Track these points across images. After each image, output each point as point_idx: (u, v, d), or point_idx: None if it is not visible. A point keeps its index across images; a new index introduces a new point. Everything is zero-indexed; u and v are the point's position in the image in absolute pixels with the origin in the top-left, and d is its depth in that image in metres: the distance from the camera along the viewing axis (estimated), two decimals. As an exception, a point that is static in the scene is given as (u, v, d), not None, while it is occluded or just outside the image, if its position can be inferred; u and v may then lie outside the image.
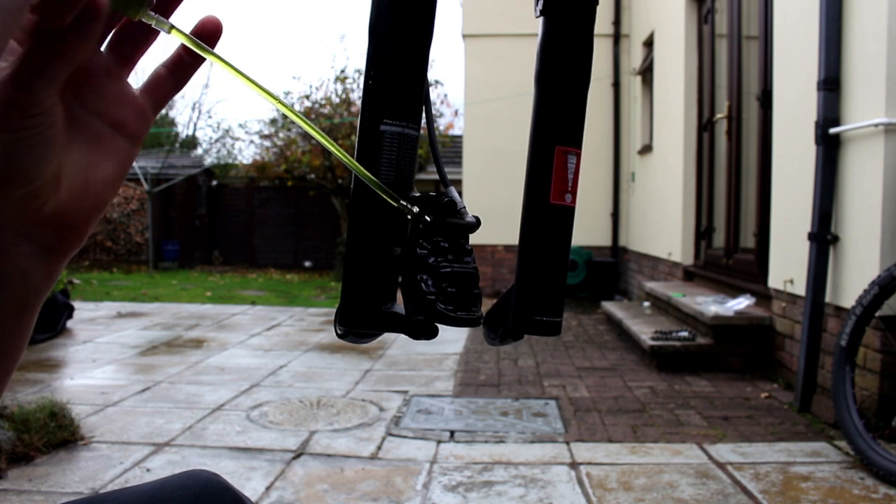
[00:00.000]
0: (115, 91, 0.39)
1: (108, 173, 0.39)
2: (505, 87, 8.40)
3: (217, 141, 16.62)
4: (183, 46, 0.39)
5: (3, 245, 0.34)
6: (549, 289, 0.44)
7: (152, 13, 0.36)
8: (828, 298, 3.41)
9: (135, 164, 13.55)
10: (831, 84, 3.35)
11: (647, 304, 6.07)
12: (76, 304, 6.19)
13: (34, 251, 0.36)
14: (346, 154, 0.41)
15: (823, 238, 3.39)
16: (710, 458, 2.79)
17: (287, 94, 12.46)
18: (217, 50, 0.38)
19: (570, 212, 0.44)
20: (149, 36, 0.39)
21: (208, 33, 0.39)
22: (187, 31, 0.38)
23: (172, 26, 0.37)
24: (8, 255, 0.35)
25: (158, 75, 0.41)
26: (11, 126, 0.32)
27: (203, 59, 0.39)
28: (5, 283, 0.35)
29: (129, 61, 0.40)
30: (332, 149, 0.41)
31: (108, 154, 0.39)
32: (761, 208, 4.57)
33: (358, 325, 0.43)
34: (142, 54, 0.40)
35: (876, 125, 3.01)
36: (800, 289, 3.71)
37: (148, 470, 2.60)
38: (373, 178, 0.41)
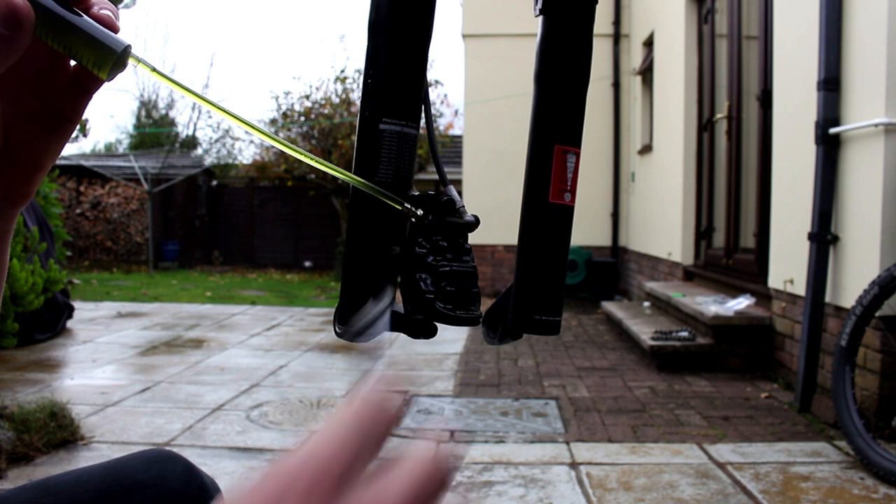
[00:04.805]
0: (51, 78, 0.41)
1: (48, 147, 0.42)
2: (505, 87, 8.39)
3: (217, 141, 16.63)
4: None
5: None
6: (548, 288, 0.44)
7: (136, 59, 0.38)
8: (828, 298, 3.41)
9: (135, 163, 13.22)
10: (831, 84, 3.34)
11: (647, 304, 6.07)
12: (76, 304, 6.18)
13: None
14: (340, 169, 0.40)
15: (823, 238, 3.39)
16: (710, 458, 2.79)
17: (287, 93, 12.46)
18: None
19: (569, 211, 0.44)
20: None
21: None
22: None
23: (153, 69, 0.38)
24: None
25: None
26: None
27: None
28: None
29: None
30: (326, 168, 0.40)
31: (48, 130, 0.42)
32: (761, 208, 4.57)
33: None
34: None
35: (876, 125, 3.01)
36: (800, 289, 3.71)
37: (148, 470, 2.60)
38: (374, 186, 0.41)
